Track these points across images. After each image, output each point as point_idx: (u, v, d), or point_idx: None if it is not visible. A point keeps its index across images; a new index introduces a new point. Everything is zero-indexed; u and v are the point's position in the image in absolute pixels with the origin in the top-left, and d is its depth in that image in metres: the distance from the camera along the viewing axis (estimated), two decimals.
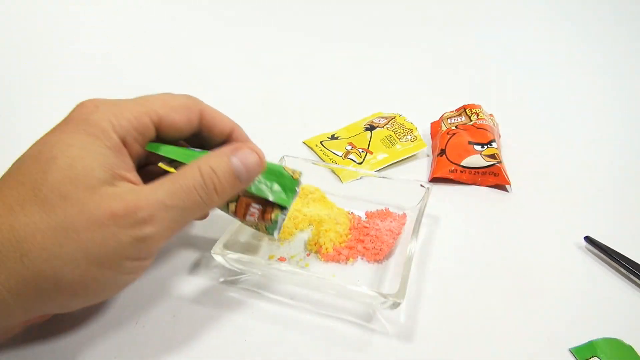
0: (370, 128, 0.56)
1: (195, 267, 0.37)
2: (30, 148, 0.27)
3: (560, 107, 0.70)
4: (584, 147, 0.59)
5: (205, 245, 0.39)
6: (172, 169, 0.31)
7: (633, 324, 0.35)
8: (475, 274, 0.39)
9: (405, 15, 1.07)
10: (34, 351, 0.30)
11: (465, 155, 0.50)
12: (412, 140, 0.54)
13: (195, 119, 0.32)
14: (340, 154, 0.53)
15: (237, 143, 0.31)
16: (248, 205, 0.32)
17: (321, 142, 0.55)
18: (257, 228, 0.34)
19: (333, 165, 0.49)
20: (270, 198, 0.32)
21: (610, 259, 0.40)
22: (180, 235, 0.40)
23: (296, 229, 0.41)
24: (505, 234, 0.43)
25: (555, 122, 0.65)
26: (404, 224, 0.42)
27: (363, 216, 0.43)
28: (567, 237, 0.43)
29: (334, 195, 0.45)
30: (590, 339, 0.33)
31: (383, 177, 0.45)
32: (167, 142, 0.32)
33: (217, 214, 0.43)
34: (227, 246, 0.35)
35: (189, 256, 0.38)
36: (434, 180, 0.50)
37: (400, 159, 0.52)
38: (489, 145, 0.51)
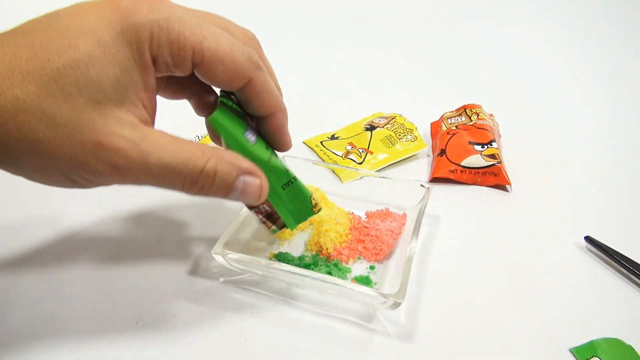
0: (371, 128, 0.56)
1: (195, 267, 0.37)
2: (61, 14, 0.24)
3: (560, 107, 0.70)
4: (584, 147, 0.59)
5: (205, 245, 0.39)
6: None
7: (633, 324, 0.35)
8: (475, 274, 0.39)
9: (406, 15, 1.07)
10: (33, 351, 0.30)
11: (465, 155, 0.50)
12: (412, 140, 0.54)
13: (239, 83, 0.28)
14: (340, 154, 0.53)
15: (254, 167, 0.29)
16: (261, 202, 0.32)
17: (321, 142, 0.55)
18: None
19: (333, 165, 0.49)
20: (280, 216, 0.33)
21: (611, 258, 0.40)
22: (181, 235, 0.40)
23: (296, 229, 0.41)
24: (505, 234, 0.43)
25: (555, 122, 0.65)
26: (404, 224, 0.42)
27: (363, 216, 0.43)
28: (567, 237, 0.43)
29: (334, 195, 0.45)
30: (590, 339, 0.33)
31: (383, 177, 0.45)
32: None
33: (216, 215, 0.43)
34: (227, 246, 0.35)
35: (189, 256, 0.38)
36: (434, 180, 0.50)
37: (401, 159, 0.52)
38: (489, 145, 0.51)
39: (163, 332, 0.32)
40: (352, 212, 0.43)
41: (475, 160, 0.49)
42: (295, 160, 0.45)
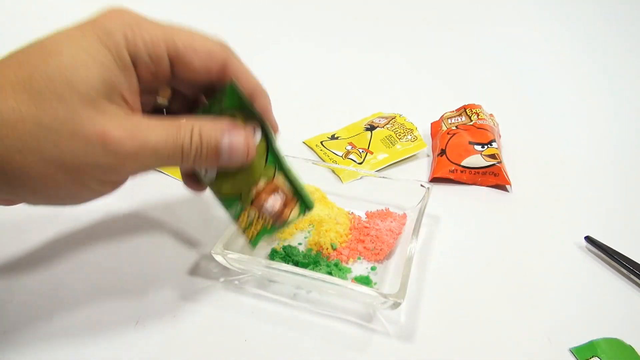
0: (371, 128, 0.56)
1: (195, 267, 0.37)
2: (41, 38, 0.25)
3: (560, 107, 0.70)
4: (584, 147, 0.59)
5: (205, 245, 0.39)
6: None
7: (633, 324, 0.35)
8: (475, 274, 0.39)
9: (406, 15, 1.07)
10: (33, 351, 0.30)
11: (465, 155, 0.50)
12: (412, 140, 0.54)
13: (216, 68, 0.29)
14: (340, 154, 0.53)
15: (236, 124, 0.29)
16: (274, 191, 0.31)
17: (321, 142, 0.55)
18: (247, 226, 0.32)
19: (333, 165, 0.49)
20: (302, 192, 0.31)
21: (611, 258, 0.40)
22: (181, 235, 0.40)
23: (296, 229, 0.41)
24: (505, 234, 0.43)
25: (556, 122, 0.65)
26: (404, 224, 0.42)
27: (363, 216, 0.43)
28: (567, 237, 0.43)
29: (334, 195, 0.45)
30: (590, 339, 0.33)
31: (383, 177, 0.45)
32: (183, 84, 0.30)
33: (216, 215, 0.43)
34: (227, 246, 0.35)
35: (189, 256, 0.38)
36: (434, 180, 0.50)
37: (401, 159, 0.52)
38: (489, 145, 0.51)
39: (163, 332, 0.32)
40: (352, 212, 0.43)
41: (475, 160, 0.49)
42: (296, 160, 0.45)
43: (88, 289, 0.35)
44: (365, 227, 0.41)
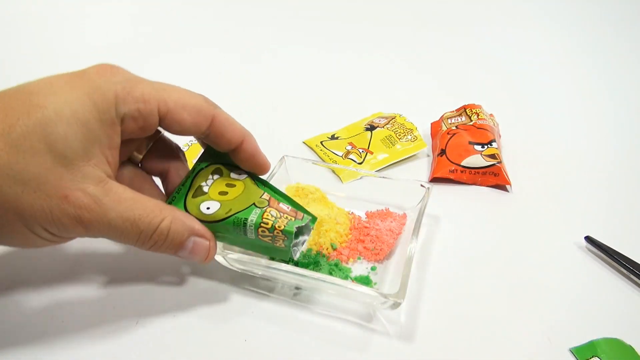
0: (371, 128, 0.56)
1: (195, 267, 0.37)
2: (31, 83, 0.26)
3: (560, 107, 0.70)
4: (584, 147, 0.59)
5: None
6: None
7: (633, 324, 0.35)
8: (475, 274, 0.39)
9: (406, 15, 1.07)
10: (34, 351, 0.30)
11: (465, 155, 0.50)
12: (412, 140, 0.54)
13: (205, 124, 0.31)
14: (340, 154, 0.53)
15: (206, 230, 0.31)
16: (279, 203, 0.33)
17: (321, 142, 0.55)
18: (274, 222, 0.32)
19: (333, 165, 0.49)
20: (302, 208, 0.33)
21: (611, 258, 0.40)
22: None
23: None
24: (506, 234, 0.43)
25: (556, 122, 0.65)
26: (404, 224, 0.42)
27: (363, 216, 0.43)
28: (567, 237, 0.43)
29: (334, 195, 0.45)
30: (590, 339, 0.33)
31: (383, 177, 0.45)
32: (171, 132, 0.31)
33: None
34: (227, 246, 0.35)
35: None
36: (434, 180, 0.50)
37: (401, 159, 0.52)
38: (489, 145, 0.51)
39: (163, 332, 0.32)
40: (352, 212, 0.43)
41: (475, 160, 0.49)
42: (296, 160, 0.45)
43: (88, 289, 0.35)
44: (365, 227, 0.41)
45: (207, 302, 0.35)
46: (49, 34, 0.85)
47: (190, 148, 0.52)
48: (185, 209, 0.32)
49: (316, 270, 0.36)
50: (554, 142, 0.60)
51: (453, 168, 0.49)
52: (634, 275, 0.38)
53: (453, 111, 0.58)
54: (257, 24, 0.96)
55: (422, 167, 0.53)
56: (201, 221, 0.31)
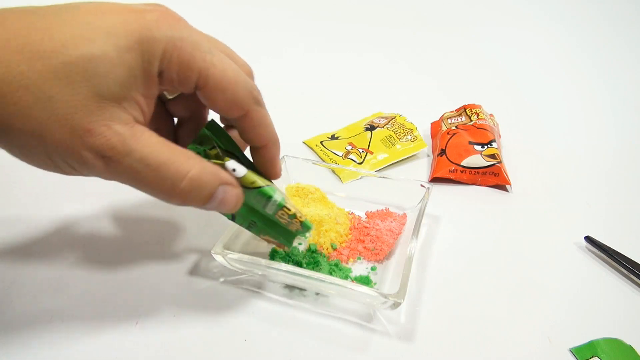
0: (371, 128, 0.56)
1: (195, 267, 0.37)
2: (85, 8, 0.25)
3: (560, 107, 0.70)
4: (584, 147, 0.59)
5: (205, 245, 0.39)
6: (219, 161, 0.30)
7: (633, 324, 0.35)
8: (475, 274, 0.39)
9: (406, 15, 1.07)
10: (34, 351, 0.30)
11: (465, 155, 0.50)
12: (412, 140, 0.54)
13: (236, 114, 0.29)
14: (340, 154, 0.53)
15: (233, 179, 0.30)
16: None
17: (321, 142, 0.55)
18: (287, 224, 0.33)
19: (333, 165, 0.49)
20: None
21: (611, 258, 0.40)
22: (181, 235, 0.40)
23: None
24: (506, 234, 0.43)
25: (555, 122, 0.65)
26: (404, 224, 0.42)
27: (363, 216, 0.43)
28: (567, 237, 0.43)
29: (334, 195, 0.45)
30: (590, 339, 0.33)
31: (383, 177, 0.45)
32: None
33: (217, 215, 0.43)
34: (227, 246, 0.35)
35: (189, 256, 0.38)
36: (434, 180, 0.50)
37: (401, 159, 0.52)
38: (489, 145, 0.51)
39: (163, 332, 0.32)
40: (352, 212, 0.43)
41: (475, 160, 0.49)
42: (296, 160, 0.45)
43: (88, 290, 0.35)
44: (365, 227, 0.41)
45: (207, 302, 0.35)
46: None
47: None
48: None
49: (316, 270, 0.36)
50: (554, 142, 0.60)
51: (453, 168, 0.49)
52: (634, 275, 0.38)
53: (453, 111, 0.58)
54: (257, 24, 0.96)
55: (422, 167, 0.53)
56: None
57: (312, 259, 0.37)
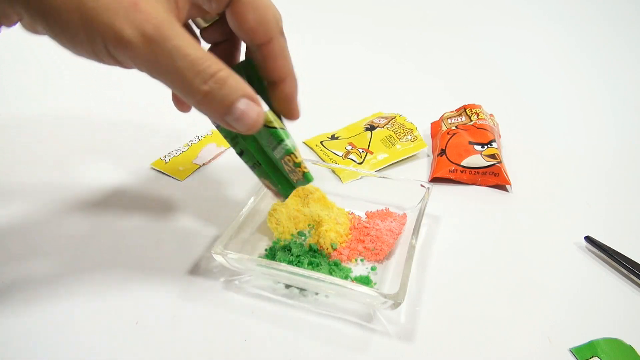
0: (371, 128, 0.56)
1: (195, 267, 0.37)
2: None
3: (560, 107, 0.70)
4: (584, 147, 0.59)
5: (205, 245, 0.39)
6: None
7: (633, 324, 0.35)
8: (475, 273, 0.39)
9: (406, 15, 1.07)
10: (33, 351, 0.30)
11: (465, 155, 0.50)
12: (413, 140, 0.54)
13: (260, 39, 0.30)
14: (340, 154, 0.53)
15: (258, 97, 0.29)
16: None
17: (321, 142, 0.55)
18: (289, 172, 0.33)
19: (333, 165, 0.49)
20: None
21: (611, 258, 0.40)
22: (181, 235, 0.40)
23: (296, 229, 0.41)
24: (506, 233, 0.43)
25: (555, 122, 0.65)
26: (404, 224, 0.42)
27: (363, 216, 0.43)
28: (567, 237, 0.43)
29: (334, 195, 0.45)
30: (590, 339, 0.33)
31: (383, 177, 0.45)
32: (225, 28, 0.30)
33: (216, 215, 0.43)
34: (227, 246, 0.35)
35: (189, 256, 0.38)
36: (434, 180, 0.50)
37: (401, 159, 0.52)
38: (489, 145, 0.51)
39: (163, 332, 0.32)
40: (352, 212, 0.43)
41: (475, 160, 0.49)
42: None
43: (88, 289, 0.35)
44: (365, 227, 0.41)
45: (207, 302, 0.35)
46: None
47: (202, 141, 0.52)
48: None
49: (316, 270, 0.36)
50: (554, 142, 0.60)
51: (453, 168, 0.49)
52: (634, 275, 0.38)
53: (453, 111, 0.58)
54: None
55: (422, 167, 0.53)
56: None
57: (312, 259, 0.37)
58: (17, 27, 0.27)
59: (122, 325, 0.32)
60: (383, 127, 0.56)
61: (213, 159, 0.51)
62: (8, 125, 0.56)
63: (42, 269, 0.36)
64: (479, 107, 0.57)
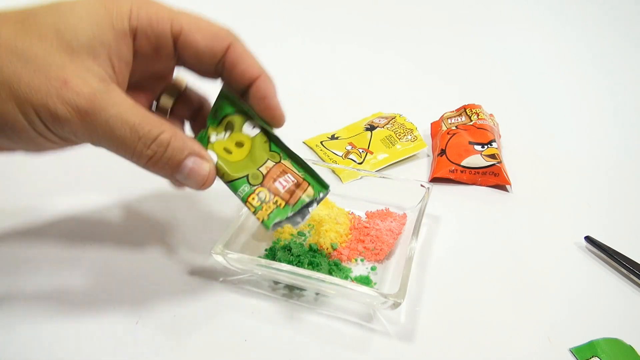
0: (371, 128, 0.56)
1: (195, 267, 0.37)
2: None
3: (560, 107, 0.70)
4: (584, 147, 0.59)
5: (205, 245, 0.39)
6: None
7: (633, 324, 0.35)
8: (475, 274, 0.39)
9: (406, 15, 1.07)
10: (33, 351, 0.30)
11: (465, 155, 0.50)
12: (412, 140, 0.54)
13: (220, 50, 0.29)
14: (340, 154, 0.53)
15: (206, 152, 0.29)
16: (284, 173, 0.32)
17: (321, 142, 0.55)
18: (259, 207, 0.31)
19: (333, 165, 0.49)
20: (313, 173, 0.32)
21: (611, 258, 0.40)
22: (181, 235, 0.40)
23: (296, 229, 0.41)
24: (506, 234, 0.43)
25: (556, 122, 0.65)
26: (404, 224, 0.42)
27: (363, 216, 0.43)
28: (567, 237, 0.43)
29: (334, 195, 0.44)
30: (590, 339, 0.33)
31: (383, 177, 0.45)
32: (188, 64, 0.31)
33: (216, 215, 0.43)
34: (227, 246, 0.35)
35: (189, 256, 0.38)
36: (434, 180, 0.50)
37: (401, 159, 0.52)
38: (489, 145, 0.51)
39: (163, 332, 0.32)
40: (352, 212, 0.43)
41: (475, 160, 0.49)
42: None
43: (88, 289, 0.35)
44: (365, 227, 0.41)
45: (207, 302, 0.35)
46: None
47: None
48: None
49: (316, 270, 0.36)
50: (554, 142, 0.60)
51: (453, 168, 0.49)
52: (634, 275, 0.38)
53: (453, 111, 0.58)
54: (256, 23, 0.96)
55: (422, 167, 0.53)
56: None
57: (312, 259, 0.37)
58: None
59: (122, 324, 0.32)
60: (383, 127, 0.56)
61: None
62: None
63: (41, 268, 0.36)
64: (479, 107, 0.57)
